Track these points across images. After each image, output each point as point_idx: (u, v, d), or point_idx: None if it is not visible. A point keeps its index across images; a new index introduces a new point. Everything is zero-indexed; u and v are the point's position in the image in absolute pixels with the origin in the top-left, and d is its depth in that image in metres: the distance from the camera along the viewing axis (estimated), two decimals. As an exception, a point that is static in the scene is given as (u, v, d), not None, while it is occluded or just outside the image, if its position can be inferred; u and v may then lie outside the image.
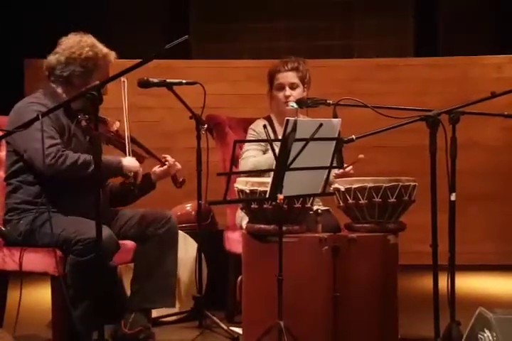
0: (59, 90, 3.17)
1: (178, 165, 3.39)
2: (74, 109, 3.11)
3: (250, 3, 6.61)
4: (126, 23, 6.46)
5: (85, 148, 3.14)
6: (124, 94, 3.22)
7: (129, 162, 3.16)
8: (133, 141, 3.28)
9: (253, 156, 3.58)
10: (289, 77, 3.63)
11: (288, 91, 3.62)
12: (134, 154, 3.26)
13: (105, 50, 3.19)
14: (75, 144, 3.11)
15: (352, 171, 3.44)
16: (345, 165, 3.39)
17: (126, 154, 3.22)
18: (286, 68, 3.64)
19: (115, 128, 3.23)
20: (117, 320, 3.24)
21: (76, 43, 3.15)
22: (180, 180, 3.40)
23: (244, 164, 3.56)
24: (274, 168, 3.35)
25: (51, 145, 2.95)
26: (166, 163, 3.35)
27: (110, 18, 6.43)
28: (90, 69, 3.13)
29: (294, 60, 3.67)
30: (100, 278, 2.54)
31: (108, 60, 3.19)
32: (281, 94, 3.63)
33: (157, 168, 3.37)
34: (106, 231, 2.60)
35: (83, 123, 3.11)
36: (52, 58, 3.16)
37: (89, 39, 3.18)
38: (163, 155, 3.37)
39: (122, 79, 3.16)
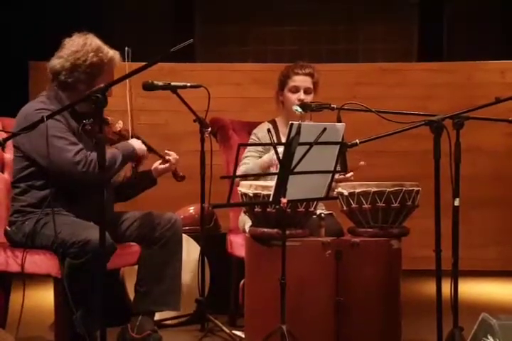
0: (63, 95, 3.12)
1: (178, 160, 3.37)
2: (79, 112, 3.10)
3: (255, 6, 6.63)
4: (130, 25, 6.47)
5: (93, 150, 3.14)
6: (130, 95, 3.20)
7: (139, 145, 3.17)
8: (137, 138, 3.25)
9: (247, 163, 3.57)
10: (306, 81, 3.63)
11: (302, 95, 3.62)
12: None
13: (110, 53, 3.13)
14: (85, 146, 3.09)
15: (352, 178, 3.43)
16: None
17: None
18: (304, 72, 3.64)
19: (118, 129, 3.20)
20: (120, 321, 3.23)
21: (80, 47, 3.07)
22: (181, 174, 3.39)
23: (238, 170, 3.56)
24: (266, 169, 3.37)
25: (78, 152, 2.94)
26: (169, 161, 3.31)
27: (114, 20, 6.45)
28: (95, 75, 3.08)
29: (310, 66, 3.67)
30: (99, 280, 2.53)
31: (113, 63, 3.14)
32: (294, 97, 3.62)
33: (158, 165, 3.34)
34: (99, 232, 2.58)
35: (87, 127, 3.09)
36: (56, 63, 3.09)
37: (93, 42, 3.10)
38: (166, 151, 3.34)
39: (129, 88, 3.16)
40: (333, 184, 3.19)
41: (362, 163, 3.35)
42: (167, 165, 3.31)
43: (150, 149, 3.30)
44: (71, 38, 3.13)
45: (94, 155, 2.97)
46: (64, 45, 3.12)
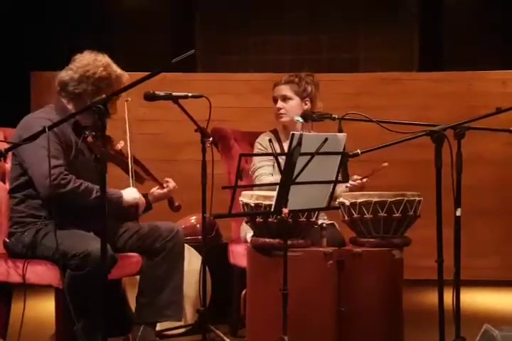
0: (69, 106, 3.17)
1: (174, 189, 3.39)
2: (82, 125, 3.11)
3: (256, 16, 6.64)
4: (131, 35, 6.49)
5: (91, 165, 3.13)
6: (126, 113, 3.20)
7: (130, 195, 3.14)
8: (135, 161, 3.29)
9: (268, 174, 3.57)
10: (281, 90, 3.66)
11: (279, 104, 3.65)
12: (136, 175, 3.26)
13: (119, 71, 3.19)
14: (81, 161, 3.12)
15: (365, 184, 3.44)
16: (360, 177, 3.38)
17: (128, 173, 3.22)
18: (281, 82, 3.67)
19: (119, 148, 3.24)
20: (121, 332, 3.23)
21: (91, 62, 3.14)
22: (176, 204, 3.41)
23: (260, 182, 3.55)
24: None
25: (54, 167, 2.93)
26: (166, 187, 3.34)
27: (116, 31, 6.47)
28: (102, 89, 3.11)
29: (294, 74, 3.69)
30: (100, 291, 2.53)
31: (120, 81, 3.19)
32: (275, 107, 3.67)
33: (155, 190, 3.37)
34: (99, 244, 2.57)
35: (89, 139, 3.10)
36: (65, 74, 3.15)
37: (104, 58, 3.18)
38: (165, 179, 3.38)
39: (127, 98, 3.17)
40: (341, 191, 3.20)
41: (385, 163, 3.33)
42: (164, 190, 3.34)
43: (148, 174, 3.33)
44: (82, 54, 3.20)
45: (73, 177, 2.98)
46: (74, 60, 3.19)
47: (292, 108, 3.61)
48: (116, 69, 3.19)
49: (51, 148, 2.89)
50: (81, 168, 3.10)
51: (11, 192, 3.15)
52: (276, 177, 3.50)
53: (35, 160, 2.97)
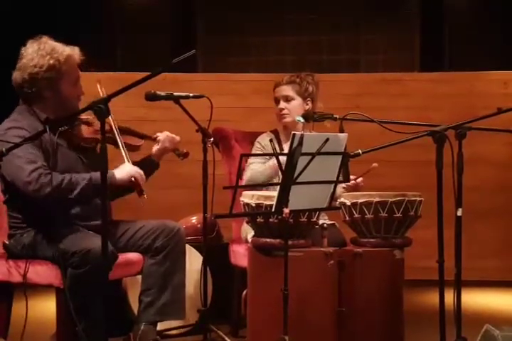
0: (33, 107, 3.09)
1: (176, 138, 3.36)
2: (52, 119, 3.02)
3: (257, 16, 6.65)
4: (133, 36, 6.50)
5: (73, 156, 3.11)
6: (101, 88, 3.11)
7: (123, 171, 3.02)
8: (123, 131, 3.21)
9: (252, 169, 3.57)
10: (283, 90, 3.65)
11: (282, 105, 3.64)
12: (127, 146, 3.19)
13: (66, 51, 3.07)
14: (61, 156, 3.03)
15: (362, 183, 3.44)
16: (354, 177, 3.39)
17: (118, 148, 3.14)
18: (282, 82, 3.67)
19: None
20: (121, 332, 3.22)
21: (35, 54, 3.04)
22: (184, 151, 3.38)
23: (245, 176, 3.56)
24: (272, 177, 3.36)
25: (32, 171, 2.89)
26: (159, 140, 3.31)
27: (117, 31, 6.48)
28: (56, 78, 3.04)
29: (295, 74, 3.68)
30: (101, 289, 2.53)
31: (71, 61, 3.08)
32: (277, 108, 3.66)
33: (154, 149, 3.35)
34: (100, 241, 2.57)
35: (68, 134, 3.04)
36: (17, 76, 3.07)
37: (46, 45, 3.06)
38: (156, 135, 3.34)
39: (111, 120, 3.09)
40: (339, 192, 3.20)
41: (374, 164, 3.35)
42: (160, 145, 3.32)
43: (140, 137, 3.29)
44: (26, 46, 3.10)
45: (54, 174, 2.89)
46: (21, 55, 3.09)
47: (295, 108, 3.61)
48: (63, 51, 3.06)
49: (22, 155, 2.88)
50: (65, 163, 3.04)
51: (5, 202, 3.13)
52: (257, 169, 3.50)
53: (12, 171, 2.92)
